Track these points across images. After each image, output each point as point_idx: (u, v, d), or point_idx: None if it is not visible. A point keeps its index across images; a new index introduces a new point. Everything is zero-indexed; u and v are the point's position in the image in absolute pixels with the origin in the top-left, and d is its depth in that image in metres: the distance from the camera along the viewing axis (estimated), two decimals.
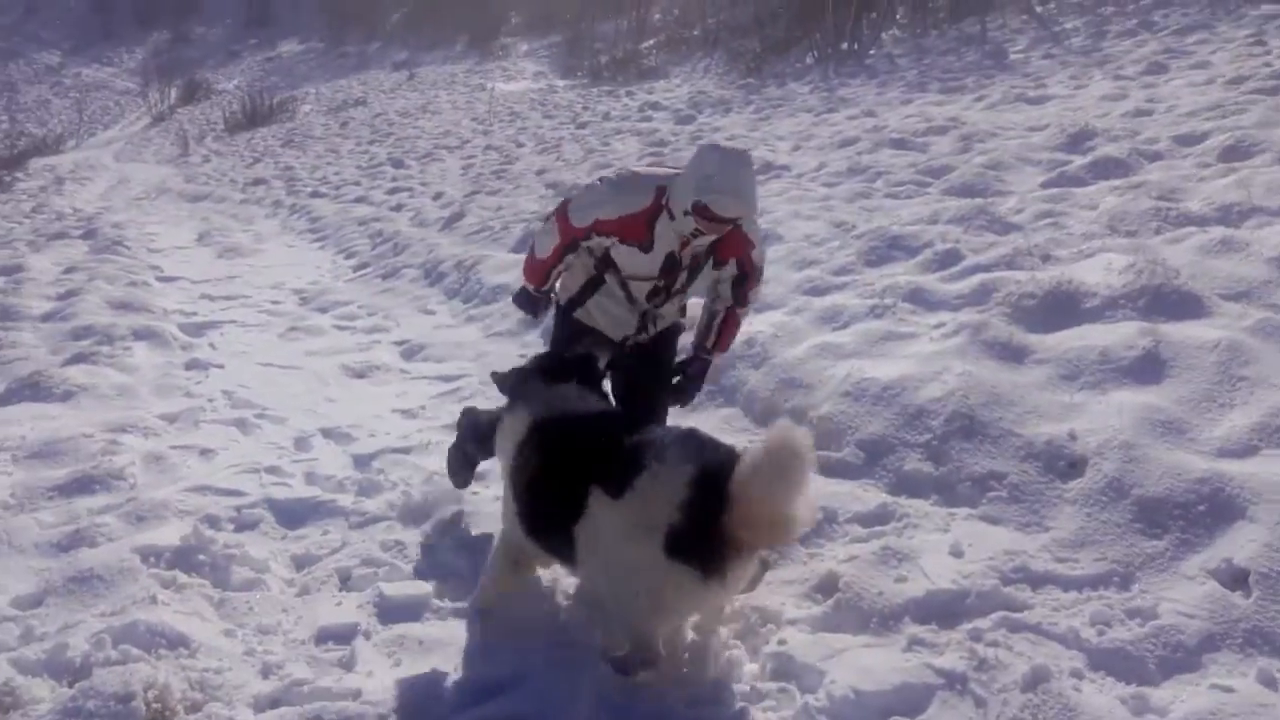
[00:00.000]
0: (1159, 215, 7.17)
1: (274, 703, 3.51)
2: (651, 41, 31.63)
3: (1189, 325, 5.25)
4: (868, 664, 3.48)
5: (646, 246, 4.28)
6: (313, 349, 8.33)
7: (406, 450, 5.87)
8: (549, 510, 3.68)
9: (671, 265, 4.32)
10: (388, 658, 3.81)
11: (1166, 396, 4.67)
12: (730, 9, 28.33)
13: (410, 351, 8.18)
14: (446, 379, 7.31)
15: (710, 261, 4.40)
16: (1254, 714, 3.05)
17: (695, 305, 4.77)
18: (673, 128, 16.97)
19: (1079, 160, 9.25)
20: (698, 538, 3.21)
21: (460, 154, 19.51)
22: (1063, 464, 4.38)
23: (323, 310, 9.88)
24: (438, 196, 15.04)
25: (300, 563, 4.62)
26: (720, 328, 4.55)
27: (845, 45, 21.33)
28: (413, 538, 4.75)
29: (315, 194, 18.14)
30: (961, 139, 11.09)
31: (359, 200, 16.45)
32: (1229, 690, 3.16)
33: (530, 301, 4.78)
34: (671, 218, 4.18)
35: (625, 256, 4.37)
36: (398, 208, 14.97)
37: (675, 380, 4.63)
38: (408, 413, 6.67)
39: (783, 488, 3.10)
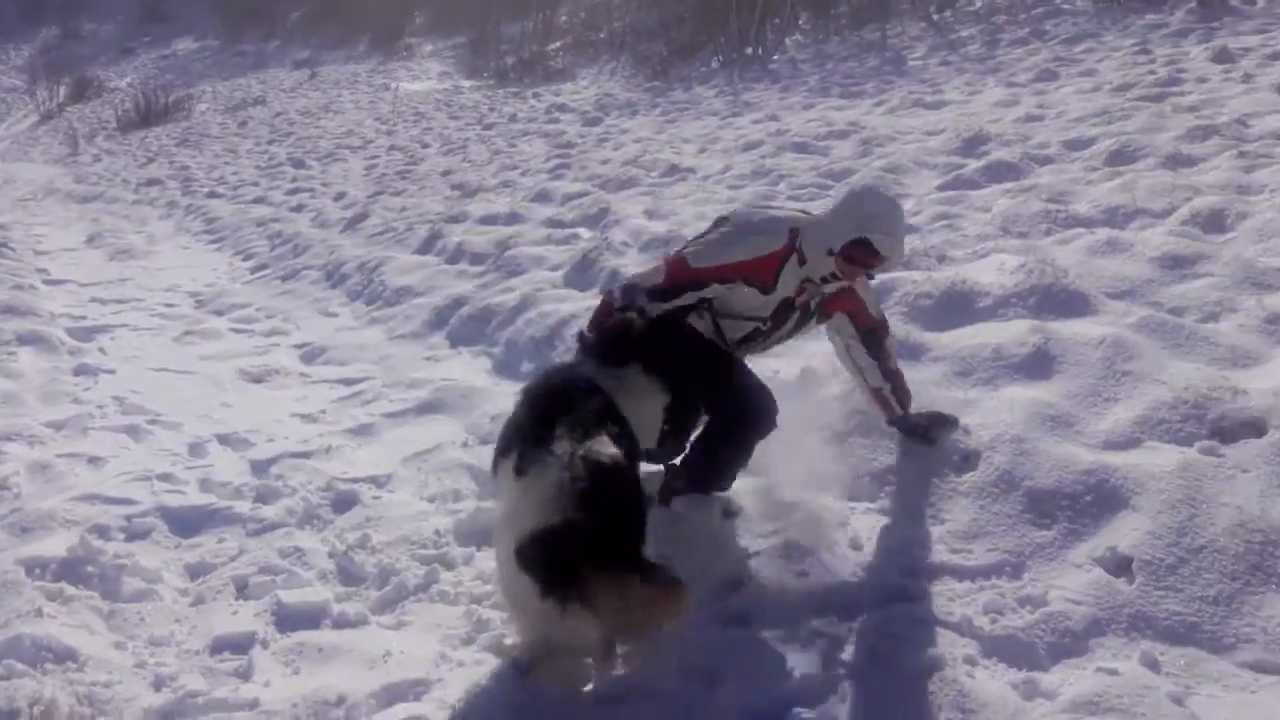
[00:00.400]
0: (1049, 217, 7.41)
1: (166, 715, 3.40)
2: (558, 43, 31.57)
3: (1076, 323, 5.42)
4: (771, 658, 3.52)
5: (769, 289, 4.11)
6: (208, 353, 8.12)
7: (306, 455, 5.75)
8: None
9: (785, 310, 4.18)
10: (286, 666, 3.72)
11: (1055, 392, 4.82)
12: (636, 13, 28.40)
13: (311, 355, 8.02)
14: (348, 382, 7.18)
15: (817, 315, 4.27)
16: (1138, 695, 3.15)
17: None
18: (580, 129, 16.97)
19: (974, 164, 9.50)
20: (539, 557, 3.20)
21: (363, 154, 19.23)
22: (957, 458, 4.48)
23: (219, 313, 9.63)
24: (340, 197, 14.81)
25: (194, 572, 4.48)
26: (895, 394, 4.37)
27: (749, 50, 21.58)
28: (312, 544, 4.66)
29: (212, 194, 17.72)
30: (862, 143, 11.31)
31: (258, 201, 16.12)
32: (1114, 673, 3.26)
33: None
34: (802, 261, 4.05)
35: (739, 297, 4.15)
36: (298, 208, 14.70)
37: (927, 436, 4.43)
38: (308, 417, 6.54)
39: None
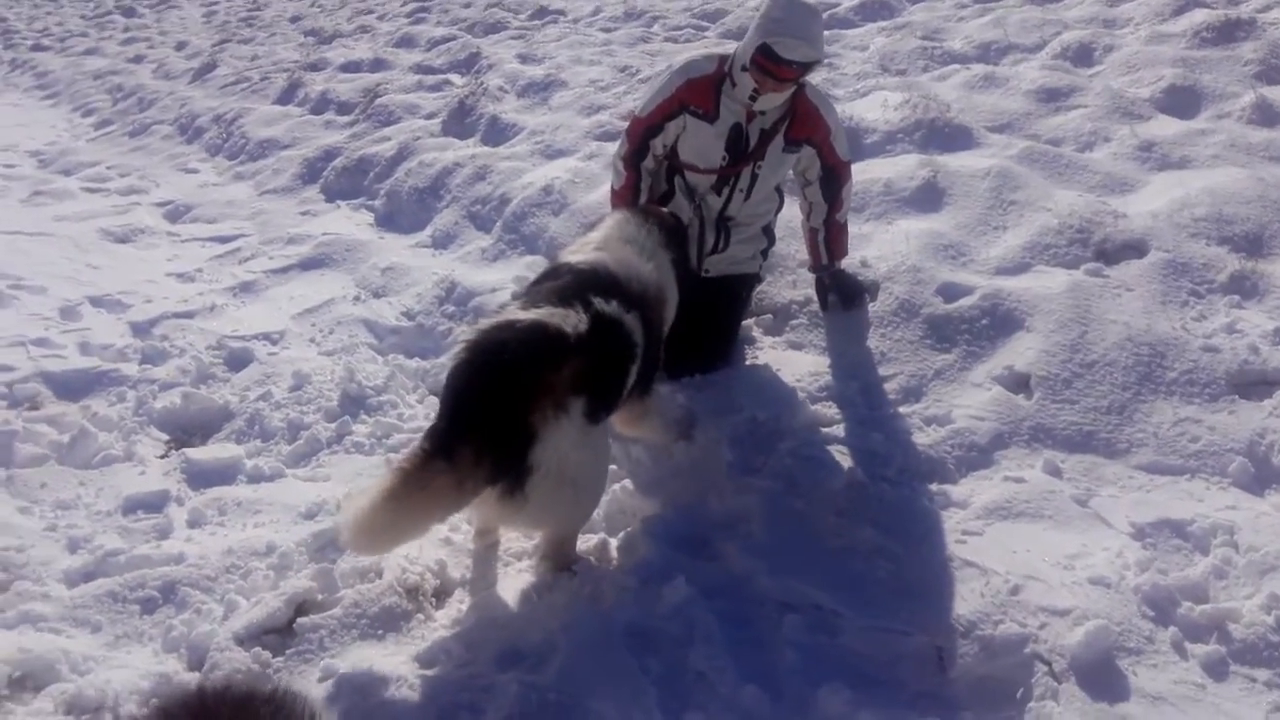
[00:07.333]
0: (925, 54, 7.47)
1: (88, 575, 3.32)
2: None
3: (962, 155, 5.55)
4: (696, 487, 3.61)
5: (712, 115, 4.10)
6: (63, 214, 7.63)
7: (189, 315, 5.55)
8: None
9: (738, 136, 4.11)
10: (206, 523, 3.66)
11: (947, 222, 4.95)
12: None
13: (175, 213, 7.64)
14: (222, 240, 6.89)
15: (782, 143, 4.16)
16: (1044, 499, 3.37)
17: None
18: None
19: (847, 2, 9.46)
20: None
21: (200, 1, 17.99)
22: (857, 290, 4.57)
23: (67, 173, 9.03)
24: (181, 47, 13.91)
25: (90, 435, 4.31)
26: (827, 242, 4.38)
27: None
28: (212, 401, 4.53)
29: (38, 47, 16.37)
30: None
31: (90, 53, 14.99)
32: (1020, 481, 3.47)
33: None
34: (734, 84, 4.01)
35: (692, 135, 4.16)
36: (137, 59, 13.75)
37: (831, 299, 4.48)
38: (184, 276, 6.28)
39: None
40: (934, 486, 3.54)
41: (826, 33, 8.51)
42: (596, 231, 3.77)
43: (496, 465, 2.78)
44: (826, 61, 7.60)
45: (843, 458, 3.72)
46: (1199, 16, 6.93)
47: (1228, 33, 6.65)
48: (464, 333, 3.27)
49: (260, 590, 3.17)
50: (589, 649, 2.91)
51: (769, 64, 3.85)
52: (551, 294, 3.14)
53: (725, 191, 4.27)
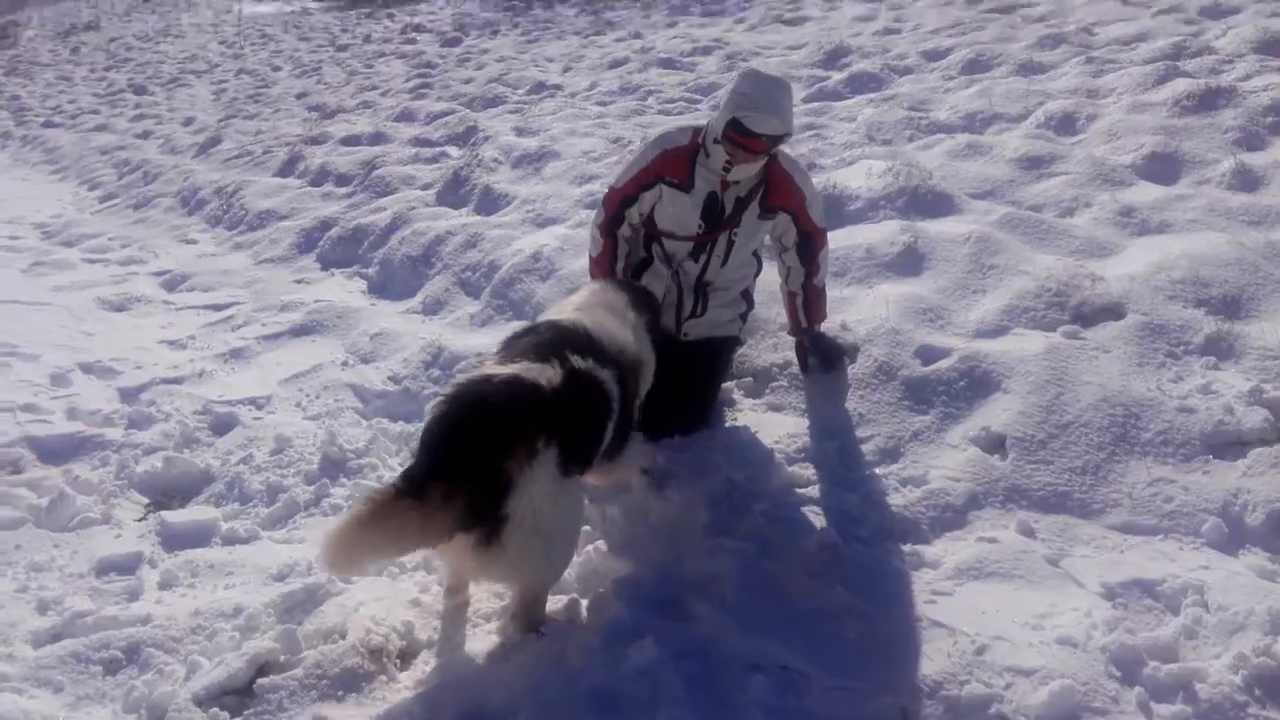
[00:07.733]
0: (911, 124, 7.59)
1: (55, 637, 3.30)
2: None
3: (943, 222, 5.61)
4: (671, 548, 3.57)
5: (687, 185, 4.18)
6: (61, 284, 7.73)
7: (178, 380, 5.58)
8: None
9: (713, 205, 4.19)
10: (177, 584, 3.64)
11: (926, 286, 4.99)
12: None
13: (173, 282, 7.72)
14: (217, 308, 6.95)
15: (757, 210, 4.23)
16: (1015, 559, 3.35)
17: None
18: (439, 50, 16.51)
19: (836, 76, 9.64)
20: None
21: (210, 79, 18.37)
22: (836, 352, 4.60)
23: (69, 244, 9.16)
24: (189, 122, 14.15)
25: (68, 498, 4.31)
26: (805, 306, 4.47)
27: None
28: (193, 465, 4.54)
29: (49, 124, 16.68)
30: (726, 58, 11.36)
31: (99, 129, 15.26)
32: (993, 541, 3.45)
33: None
34: (707, 155, 4.10)
35: (668, 205, 4.24)
36: (144, 135, 14.00)
37: (811, 362, 4.55)
38: (176, 343, 6.32)
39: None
40: (907, 547, 3.52)
41: (816, 105, 8.76)
42: (575, 296, 3.86)
43: (470, 511, 2.80)
44: (813, 132, 7.74)
45: (817, 518, 3.70)
46: (1181, 86, 7.04)
47: (1209, 101, 6.75)
48: (443, 388, 3.30)
49: (224, 651, 3.15)
50: (553, 710, 2.87)
51: (740, 138, 3.94)
52: (529, 349, 3.21)
53: (702, 258, 4.34)
